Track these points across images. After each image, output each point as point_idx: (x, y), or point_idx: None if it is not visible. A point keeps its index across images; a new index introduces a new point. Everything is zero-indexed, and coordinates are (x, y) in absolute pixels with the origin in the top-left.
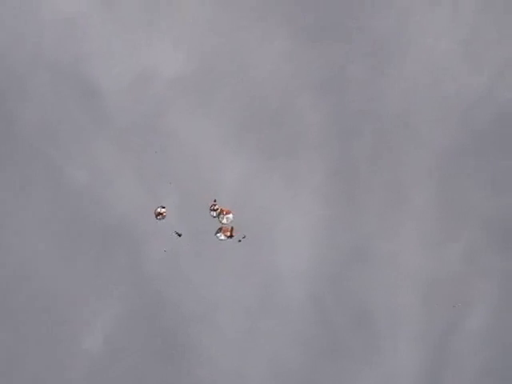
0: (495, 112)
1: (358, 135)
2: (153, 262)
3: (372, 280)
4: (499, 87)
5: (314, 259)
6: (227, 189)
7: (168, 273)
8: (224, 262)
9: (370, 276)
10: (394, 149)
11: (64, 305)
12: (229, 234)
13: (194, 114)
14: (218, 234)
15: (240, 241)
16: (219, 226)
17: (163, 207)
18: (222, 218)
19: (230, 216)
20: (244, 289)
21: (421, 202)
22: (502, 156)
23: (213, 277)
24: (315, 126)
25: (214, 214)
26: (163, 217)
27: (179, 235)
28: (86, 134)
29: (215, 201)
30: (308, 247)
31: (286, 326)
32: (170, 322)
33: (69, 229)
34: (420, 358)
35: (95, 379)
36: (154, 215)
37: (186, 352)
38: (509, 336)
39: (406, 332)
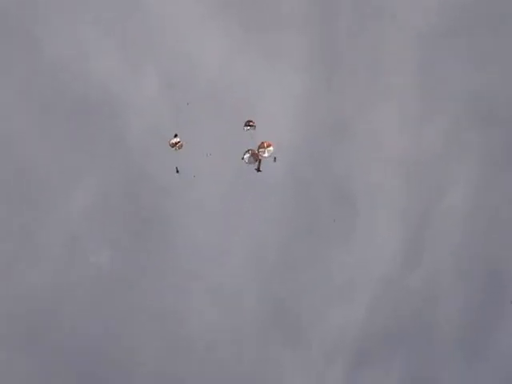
0: None
1: (340, 14)
2: (134, 134)
3: (352, 158)
4: None
5: (294, 136)
6: (209, 64)
7: (149, 145)
8: (205, 136)
9: (351, 154)
10: (375, 28)
11: (45, 177)
12: (256, 166)
13: None
14: (246, 156)
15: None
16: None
17: (176, 135)
18: (264, 151)
19: (271, 148)
20: (224, 163)
21: (402, 81)
22: (483, 33)
23: (193, 150)
24: (299, 2)
25: (248, 128)
26: (180, 146)
27: (177, 171)
28: (67, 6)
29: (251, 121)
30: (289, 123)
31: (266, 201)
32: (149, 195)
33: (50, 101)
34: (399, 235)
35: (74, 251)
36: (170, 146)
37: (165, 226)
38: (487, 215)
39: (386, 210)
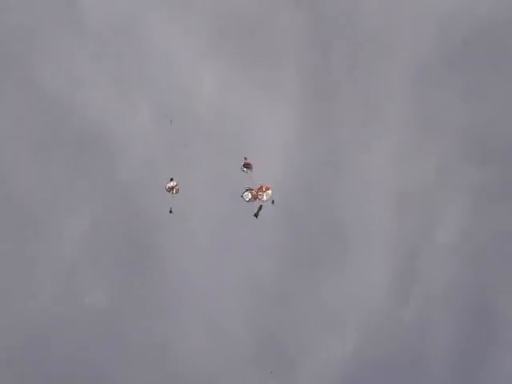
0: (471, 26)
1: (335, 48)
2: (127, 169)
3: (345, 191)
4: (474, 0)
5: (287, 169)
6: (203, 98)
7: (142, 180)
8: (198, 171)
9: (343, 187)
10: (370, 62)
11: (38, 209)
12: (256, 212)
13: (171, 22)
14: (245, 194)
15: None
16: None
17: (171, 179)
18: (262, 196)
19: (270, 192)
20: (218, 198)
21: (395, 115)
22: (480, 69)
23: (186, 186)
24: (293, 37)
25: (245, 170)
26: (177, 190)
27: (171, 212)
28: (63, 41)
29: (246, 158)
30: (282, 157)
31: (258, 234)
32: (142, 229)
33: (44, 135)
34: (390, 268)
35: (67, 283)
36: (167, 190)
37: (158, 260)
38: (478, 250)
39: (377, 243)
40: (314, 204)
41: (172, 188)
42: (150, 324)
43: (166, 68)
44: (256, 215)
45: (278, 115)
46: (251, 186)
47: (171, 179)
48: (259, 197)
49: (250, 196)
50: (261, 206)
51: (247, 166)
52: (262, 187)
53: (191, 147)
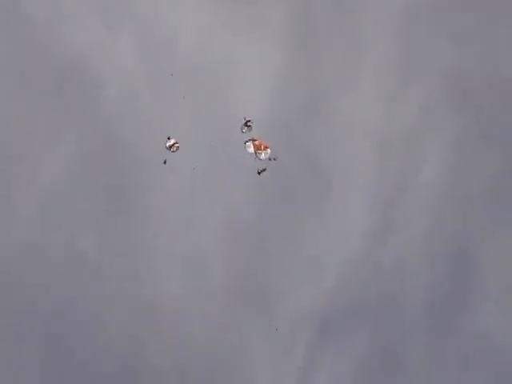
0: None
1: None
2: (110, 102)
3: (327, 133)
4: None
5: (270, 109)
6: (187, 34)
7: (125, 112)
8: (181, 108)
9: (325, 129)
10: (354, 3)
11: (18, 142)
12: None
13: None
14: (248, 144)
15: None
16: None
17: (169, 138)
18: (261, 154)
19: (268, 151)
20: (201, 137)
21: (378, 57)
22: (463, 10)
23: (169, 121)
24: None
25: (245, 129)
26: (177, 148)
27: (165, 162)
28: None
29: (245, 118)
30: (265, 97)
31: (239, 174)
32: (123, 163)
33: (26, 66)
34: (370, 212)
35: (47, 216)
36: (167, 149)
37: (138, 195)
38: (460, 194)
39: (358, 186)
40: (295, 147)
41: (172, 146)
42: (128, 261)
43: (150, 2)
44: (259, 173)
45: (260, 54)
46: (254, 137)
47: (168, 138)
48: (257, 154)
49: (251, 147)
50: (265, 168)
51: (247, 125)
52: (260, 145)
53: (175, 81)
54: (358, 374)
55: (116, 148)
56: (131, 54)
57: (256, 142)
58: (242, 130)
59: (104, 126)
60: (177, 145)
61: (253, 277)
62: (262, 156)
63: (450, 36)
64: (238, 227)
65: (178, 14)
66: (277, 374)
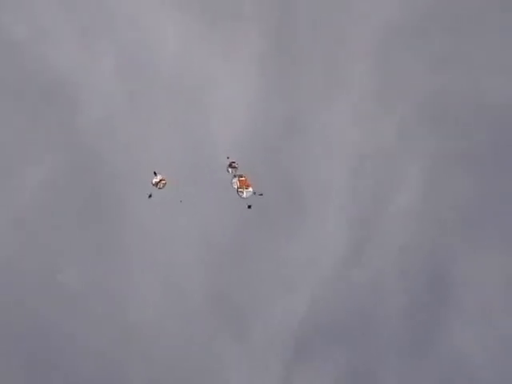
0: None
1: (298, 6)
2: (89, 119)
3: (304, 152)
4: None
5: (248, 128)
6: (166, 52)
7: (102, 131)
8: (159, 124)
9: (303, 148)
10: (333, 22)
11: None
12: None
13: None
14: (234, 181)
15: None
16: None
17: (155, 173)
18: (242, 192)
19: (250, 189)
20: (177, 154)
21: (357, 77)
22: (441, 34)
23: (146, 140)
24: None
25: (230, 170)
26: (164, 184)
27: (150, 196)
28: None
29: (228, 158)
30: (243, 116)
31: (216, 192)
32: (100, 180)
33: (6, 82)
34: (346, 230)
35: (22, 235)
36: (154, 185)
37: (114, 212)
38: (434, 215)
39: (334, 204)
40: (272, 164)
41: (158, 183)
42: (104, 283)
43: (130, 21)
44: (249, 207)
45: (239, 73)
46: (241, 174)
47: (155, 173)
48: (239, 192)
49: (237, 183)
50: (250, 205)
51: (232, 166)
52: (243, 182)
53: (153, 101)
54: None
55: (94, 168)
56: (110, 75)
57: (242, 179)
58: (227, 170)
59: (83, 146)
60: (163, 182)
61: (229, 297)
62: (244, 195)
63: (429, 60)
64: (215, 248)
65: (157, 36)
66: None
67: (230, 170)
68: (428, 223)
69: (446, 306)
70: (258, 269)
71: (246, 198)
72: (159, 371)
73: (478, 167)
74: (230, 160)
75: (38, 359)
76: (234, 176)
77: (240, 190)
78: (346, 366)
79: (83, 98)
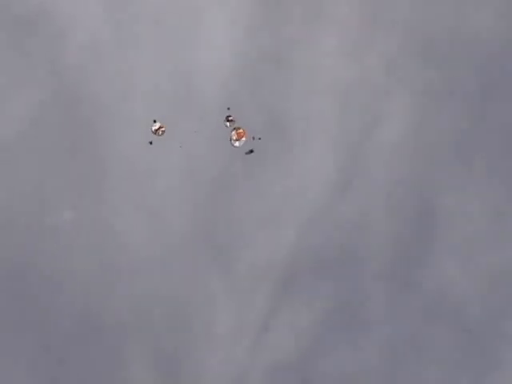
0: None
1: None
2: (74, 48)
3: (290, 86)
4: None
5: (234, 58)
6: None
7: (88, 62)
8: (144, 52)
9: (289, 82)
10: None
11: None
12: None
13: None
14: (233, 133)
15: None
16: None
17: (155, 121)
18: (234, 142)
19: (243, 139)
20: (163, 86)
21: (343, 8)
22: None
23: (132, 67)
24: None
25: (228, 124)
26: (163, 132)
27: (150, 143)
28: None
29: (229, 109)
30: (229, 45)
31: (200, 124)
32: (83, 111)
33: None
34: (332, 164)
35: (7, 166)
36: (153, 133)
37: (98, 143)
38: (422, 151)
39: (321, 138)
40: (258, 99)
41: (158, 130)
42: (87, 211)
43: None
44: (251, 151)
45: (227, 6)
46: (239, 126)
47: (154, 121)
48: (232, 141)
49: (235, 136)
50: (252, 150)
51: (229, 120)
52: (239, 133)
53: (140, 31)
54: (319, 328)
55: (79, 99)
56: (97, 3)
57: (240, 131)
58: (225, 125)
59: (67, 75)
60: (162, 129)
61: (215, 229)
62: (236, 144)
63: None
64: (201, 180)
65: None
66: (238, 325)
67: (227, 124)
68: (416, 158)
69: (433, 239)
70: (243, 203)
71: (239, 147)
72: (143, 304)
73: (467, 101)
74: (227, 114)
75: (17, 289)
76: (233, 129)
77: (234, 140)
78: (332, 299)
79: (68, 27)
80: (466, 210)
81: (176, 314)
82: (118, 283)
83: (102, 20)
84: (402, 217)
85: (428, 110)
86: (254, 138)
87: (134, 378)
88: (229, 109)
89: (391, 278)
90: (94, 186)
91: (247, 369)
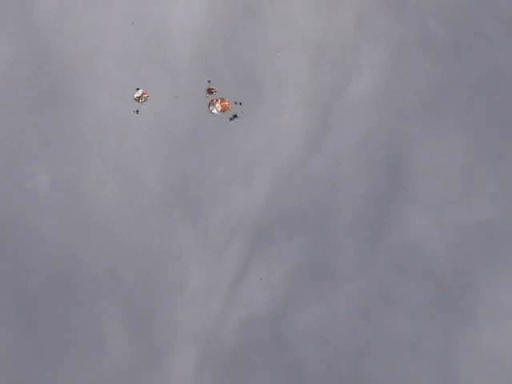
0: None
1: None
2: (42, 4)
3: (262, 40)
4: None
5: (205, 15)
6: None
7: (56, 18)
8: (115, 9)
9: (261, 36)
10: None
11: None
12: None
13: None
14: (211, 108)
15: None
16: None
17: (137, 89)
18: (213, 108)
19: (219, 107)
20: (133, 40)
21: None
22: None
23: (102, 24)
24: None
25: (208, 95)
26: (145, 98)
27: (137, 112)
28: None
29: (209, 82)
30: (200, 4)
31: (172, 81)
32: (55, 68)
33: None
34: (304, 119)
35: None
36: (136, 100)
37: (69, 99)
38: (394, 105)
39: (293, 93)
40: (228, 52)
41: (140, 97)
42: (61, 169)
43: None
44: (235, 116)
45: None
46: (223, 98)
47: (137, 89)
48: (210, 107)
49: (220, 108)
50: (235, 115)
51: (211, 92)
52: (225, 104)
53: None
54: (291, 282)
55: (48, 56)
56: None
57: (225, 103)
58: (205, 96)
59: (36, 32)
60: (145, 95)
61: (186, 183)
62: (214, 111)
63: None
64: (172, 136)
65: None
66: (209, 280)
67: (208, 95)
68: (387, 113)
69: (404, 193)
70: (215, 158)
71: (215, 115)
72: (117, 260)
73: (439, 54)
74: (209, 86)
75: None
76: (216, 100)
77: (212, 104)
78: (304, 253)
79: None
80: (436, 165)
81: (148, 270)
82: (89, 240)
83: None
84: (373, 172)
85: (399, 64)
86: (236, 103)
87: (106, 336)
88: (209, 81)
89: (362, 233)
90: (64, 146)
91: (220, 324)
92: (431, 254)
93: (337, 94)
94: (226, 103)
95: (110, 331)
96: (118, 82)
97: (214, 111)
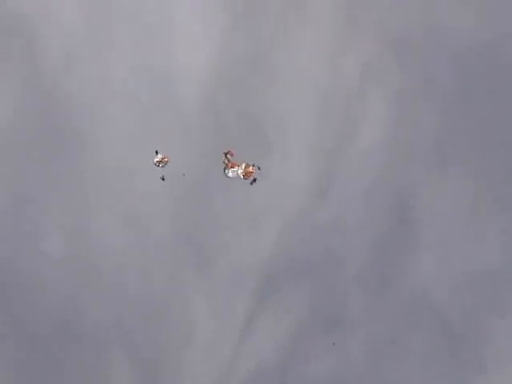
0: None
1: None
2: (48, 51)
3: (268, 88)
4: None
5: (211, 62)
6: None
7: (63, 63)
8: (120, 53)
9: (267, 84)
10: None
11: None
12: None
13: None
14: (226, 171)
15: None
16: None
17: (156, 152)
18: (228, 172)
19: (239, 171)
20: (138, 84)
21: (322, 11)
22: None
23: (108, 68)
24: None
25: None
26: (165, 163)
27: (163, 179)
28: None
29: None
30: (206, 49)
31: (177, 125)
32: (63, 112)
33: None
34: (311, 169)
35: None
36: (155, 165)
37: (78, 144)
38: (400, 152)
39: (299, 141)
40: (235, 101)
41: (160, 162)
42: (66, 214)
43: None
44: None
45: (203, 7)
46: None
47: (156, 152)
48: (225, 171)
49: (243, 175)
50: (255, 179)
51: (229, 154)
52: (249, 172)
53: (117, 34)
54: (298, 332)
55: (54, 98)
56: (71, 7)
57: (249, 170)
58: (223, 161)
59: (44, 78)
60: (165, 159)
61: (194, 232)
62: (230, 174)
63: None
64: (182, 185)
65: None
66: (217, 329)
67: (225, 161)
68: (391, 161)
69: (409, 239)
70: (223, 208)
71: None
72: (121, 307)
73: (442, 103)
74: (227, 149)
75: None
76: (232, 165)
77: (227, 171)
78: (311, 302)
79: (43, 31)
80: (443, 212)
81: (155, 319)
82: (94, 286)
83: (78, 22)
84: (380, 220)
85: (404, 113)
86: (259, 169)
87: None
88: (227, 154)
89: (369, 282)
90: (71, 190)
91: (228, 372)
92: (437, 298)
93: (342, 144)
94: (250, 170)
95: (116, 381)
96: (128, 128)
97: (230, 175)
